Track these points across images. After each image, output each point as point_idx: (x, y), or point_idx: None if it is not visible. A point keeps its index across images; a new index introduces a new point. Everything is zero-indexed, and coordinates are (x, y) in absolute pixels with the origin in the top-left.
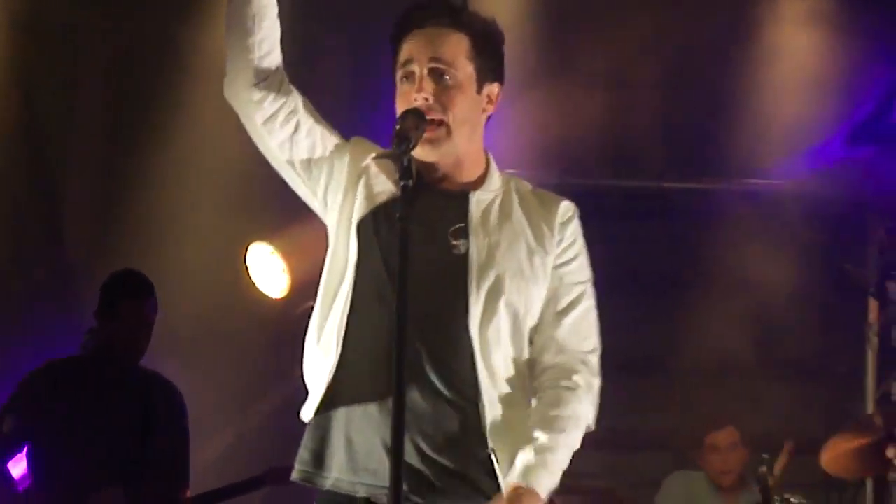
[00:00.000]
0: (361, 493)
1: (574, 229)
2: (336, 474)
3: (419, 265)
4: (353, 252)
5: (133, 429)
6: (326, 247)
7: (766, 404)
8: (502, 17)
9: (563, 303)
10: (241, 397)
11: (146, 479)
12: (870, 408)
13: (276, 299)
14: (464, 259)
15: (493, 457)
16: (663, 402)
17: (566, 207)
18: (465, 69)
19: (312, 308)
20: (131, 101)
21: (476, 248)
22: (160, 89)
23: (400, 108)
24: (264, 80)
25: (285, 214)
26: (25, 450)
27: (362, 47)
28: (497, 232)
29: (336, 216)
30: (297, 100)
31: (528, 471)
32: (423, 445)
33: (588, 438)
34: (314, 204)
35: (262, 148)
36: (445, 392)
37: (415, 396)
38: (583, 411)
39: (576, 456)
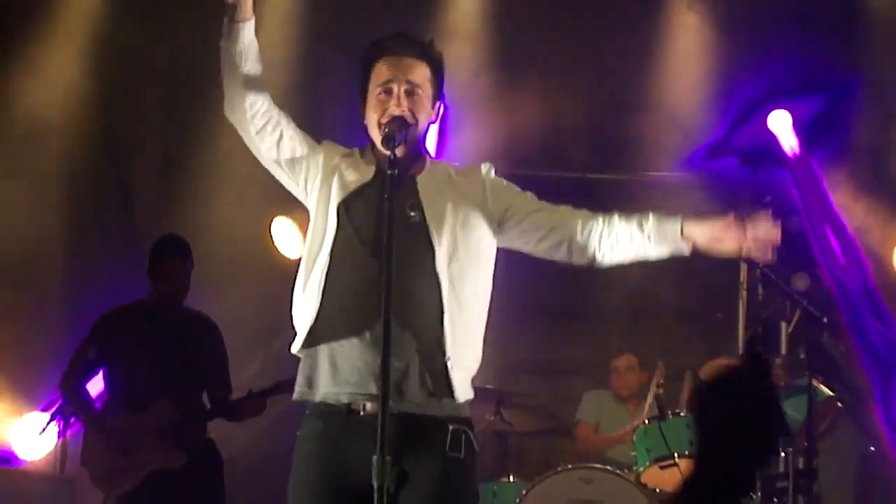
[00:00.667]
0: (344, 400)
1: (496, 176)
2: (324, 390)
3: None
4: (331, 225)
5: (180, 354)
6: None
7: (663, 341)
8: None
9: (525, 202)
10: (264, 334)
11: (202, 388)
12: (740, 345)
13: (292, 259)
14: (421, 223)
15: (448, 364)
16: (586, 338)
17: (486, 165)
18: (427, 91)
19: None
20: (185, 102)
21: (429, 213)
22: (208, 91)
23: (374, 114)
24: (253, 101)
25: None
26: (102, 372)
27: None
28: (441, 199)
29: (315, 199)
30: (280, 115)
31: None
32: (395, 362)
33: (530, 366)
34: (296, 192)
35: (254, 152)
36: (413, 320)
37: (393, 325)
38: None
39: (520, 379)
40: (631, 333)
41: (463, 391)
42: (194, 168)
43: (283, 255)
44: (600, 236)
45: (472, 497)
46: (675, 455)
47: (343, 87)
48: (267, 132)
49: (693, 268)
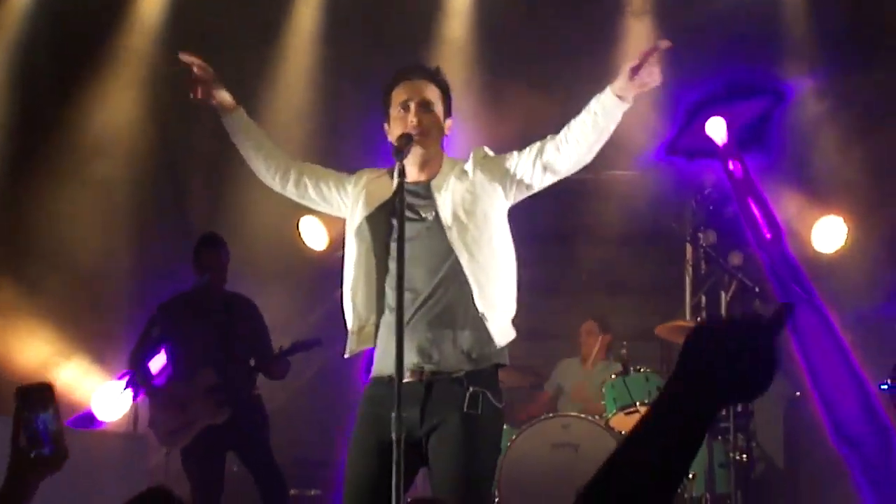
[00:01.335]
0: (386, 372)
1: (485, 153)
2: (378, 368)
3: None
4: (355, 241)
5: (225, 328)
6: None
7: (625, 308)
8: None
9: (508, 160)
10: (295, 314)
11: (248, 355)
12: (687, 313)
13: (318, 251)
14: (434, 218)
15: (483, 315)
16: (562, 309)
17: (475, 148)
18: (438, 108)
19: (340, 258)
20: None
21: (441, 207)
22: (248, 109)
23: (396, 128)
24: (269, 167)
25: None
26: (164, 348)
27: (375, 98)
28: (448, 192)
29: (348, 221)
30: (300, 170)
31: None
32: (428, 333)
33: (517, 332)
34: (334, 213)
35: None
36: (444, 295)
37: (427, 304)
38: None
39: (510, 343)
40: (599, 304)
41: (502, 335)
42: (236, 176)
43: (309, 248)
44: (566, 138)
45: (489, 446)
46: (637, 403)
47: (358, 116)
48: (289, 187)
49: (649, 250)
